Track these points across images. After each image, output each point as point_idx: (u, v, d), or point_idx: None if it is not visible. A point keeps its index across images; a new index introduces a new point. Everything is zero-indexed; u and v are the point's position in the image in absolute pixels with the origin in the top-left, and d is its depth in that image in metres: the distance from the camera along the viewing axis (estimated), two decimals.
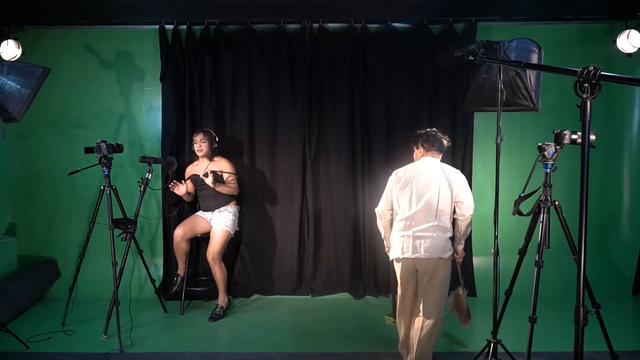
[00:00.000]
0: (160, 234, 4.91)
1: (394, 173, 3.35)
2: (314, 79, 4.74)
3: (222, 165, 4.37)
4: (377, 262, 4.87)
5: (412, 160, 4.47)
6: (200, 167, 4.38)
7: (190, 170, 4.48)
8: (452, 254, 3.16)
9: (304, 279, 4.90)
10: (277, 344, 3.75)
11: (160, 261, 4.89)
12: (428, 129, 3.38)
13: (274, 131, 4.81)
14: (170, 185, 4.17)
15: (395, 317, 3.61)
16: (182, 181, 4.26)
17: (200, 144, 4.31)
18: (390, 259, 3.30)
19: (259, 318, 4.35)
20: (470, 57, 2.69)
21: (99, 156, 3.80)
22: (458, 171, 3.24)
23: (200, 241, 4.72)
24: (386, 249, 3.45)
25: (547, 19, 4.78)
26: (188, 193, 4.35)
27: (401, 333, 3.30)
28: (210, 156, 4.38)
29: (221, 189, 4.26)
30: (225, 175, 4.33)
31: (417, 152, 3.38)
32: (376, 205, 4.35)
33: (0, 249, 4.51)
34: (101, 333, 3.79)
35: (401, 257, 3.13)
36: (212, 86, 4.73)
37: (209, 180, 4.11)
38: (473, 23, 4.68)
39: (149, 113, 4.95)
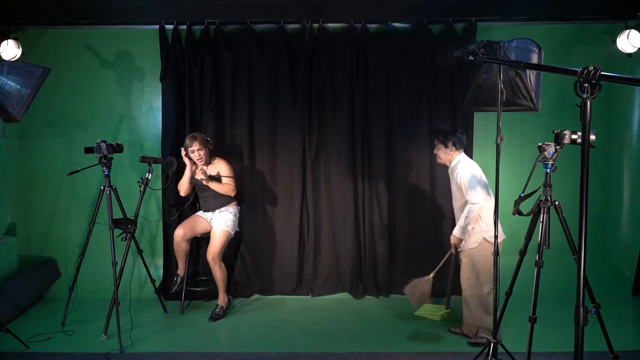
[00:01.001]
0: (160, 234, 4.91)
1: (476, 165, 3.69)
2: (314, 79, 4.74)
3: (220, 166, 4.35)
4: (377, 262, 4.87)
5: (412, 160, 4.62)
6: (203, 170, 4.37)
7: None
8: None
9: (304, 279, 4.89)
10: (277, 344, 3.76)
11: (160, 261, 4.89)
12: (452, 129, 3.80)
13: (274, 131, 4.81)
14: (183, 155, 4.26)
15: (448, 307, 3.95)
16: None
17: (198, 153, 4.23)
18: (499, 241, 3.43)
19: (259, 318, 4.35)
20: (470, 57, 2.69)
21: (99, 156, 3.80)
22: None
23: (200, 241, 4.72)
24: (463, 238, 3.68)
25: (547, 19, 4.78)
26: (189, 180, 4.33)
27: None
28: (209, 159, 4.35)
29: (215, 186, 4.24)
30: (224, 180, 4.31)
31: (447, 150, 3.74)
32: (375, 205, 4.52)
33: (0, 249, 4.51)
34: (101, 333, 3.79)
35: (501, 239, 3.55)
36: (212, 86, 4.73)
37: (200, 175, 4.14)
38: (473, 23, 4.68)
39: (149, 113, 4.95)
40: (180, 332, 4.03)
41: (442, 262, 3.94)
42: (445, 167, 4.79)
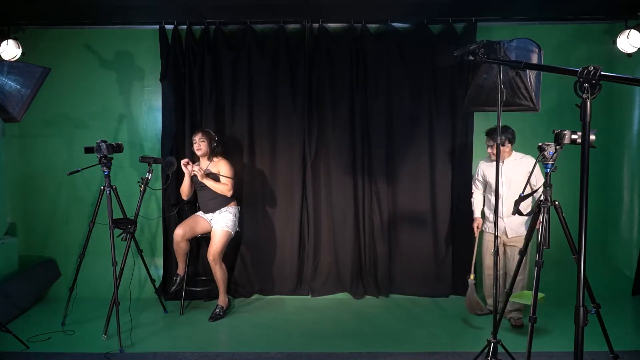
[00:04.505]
0: (160, 234, 4.91)
1: None
2: (314, 79, 4.74)
3: (221, 166, 4.35)
4: (377, 262, 4.87)
5: (412, 160, 4.62)
6: (201, 166, 4.38)
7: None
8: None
9: (304, 279, 4.89)
10: (277, 344, 3.75)
11: (160, 261, 4.89)
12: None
13: (274, 131, 4.81)
14: (183, 164, 4.22)
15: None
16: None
17: (199, 144, 4.29)
18: None
19: (259, 318, 4.35)
20: (470, 57, 2.69)
21: (99, 156, 3.79)
22: None
23: (200, 241, 4.72)
24: None
25: (547, 19, 4.78)
26: (190, 184, 4.34)
27: None
28: (210, 156, 4.36)
29: (211, 184, 4.23)
30: (222, 179, 4.31)
31: (510, 146, 4.00)
32: (375, 205, 4.85)
33: (0, 249, 4.51)
34: (101, 333, 3.79)
35: None
36: (212, 86, 4.73)
37: (197, 170, 4.15)
38: (473, 23, 4.68)
39: (149, 113, 4.95)
40: (180, 332, 4.03)
41: (474, 257, 4.11)
42: (445, 167, 4.81)
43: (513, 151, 4.05)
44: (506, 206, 3.96)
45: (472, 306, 4.12)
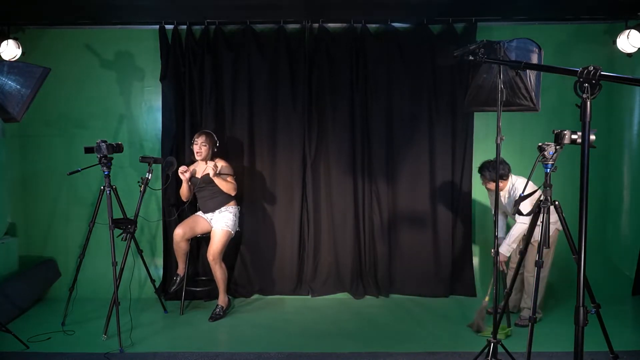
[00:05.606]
0: (160, 234, 4.91)
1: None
2: (314, 79, 4.74)
3: (220, 165, 4.34)
4: (377, 262, 4.87)
5: (412, 160, 4.61)
6: (199, 167, 4.38)
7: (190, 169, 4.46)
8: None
9: (304, 279, 4.89)
10: (277, 344, 3.75)
11: (160, 261, 4.89)
12: (492, 162, 3.84)
13: (274, 131, 4.81)
14: (180, 172, 4.18)
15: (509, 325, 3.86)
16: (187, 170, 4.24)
17: (200, 147, 4.26)
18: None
19: (259, 318, 4.35)
20: (470, 57, 2.69)
21: (99, 156, 3.79)
22: None
23: (200, 241, 4.72)
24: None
25: (547, 19, 4.78)
26: (188, 187, 4.33)
27: None
28: (209, 159, 4.34)
29: (219, 182, 4.22)
30: (223, 176, 4.30)
31: (507, 180, 3.95)
32: (375, 205, 4.85)
33: (0, 249, 4.51)
34: (101, 333, 3.79)
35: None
36: (212, 86, 4.73)
37: (210, 168, 4.10)
38: (473, 23, 4.68)
39: (149, 113, 4.95)
40: (180, 332, 4.03)
41: (492, 283, 3.85)
42: (445, 167, 4.81)
43: (510, 176, 3.96)
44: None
45: (480, 322, 3.94)
